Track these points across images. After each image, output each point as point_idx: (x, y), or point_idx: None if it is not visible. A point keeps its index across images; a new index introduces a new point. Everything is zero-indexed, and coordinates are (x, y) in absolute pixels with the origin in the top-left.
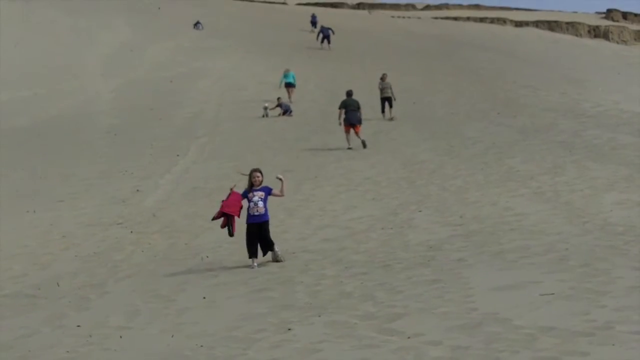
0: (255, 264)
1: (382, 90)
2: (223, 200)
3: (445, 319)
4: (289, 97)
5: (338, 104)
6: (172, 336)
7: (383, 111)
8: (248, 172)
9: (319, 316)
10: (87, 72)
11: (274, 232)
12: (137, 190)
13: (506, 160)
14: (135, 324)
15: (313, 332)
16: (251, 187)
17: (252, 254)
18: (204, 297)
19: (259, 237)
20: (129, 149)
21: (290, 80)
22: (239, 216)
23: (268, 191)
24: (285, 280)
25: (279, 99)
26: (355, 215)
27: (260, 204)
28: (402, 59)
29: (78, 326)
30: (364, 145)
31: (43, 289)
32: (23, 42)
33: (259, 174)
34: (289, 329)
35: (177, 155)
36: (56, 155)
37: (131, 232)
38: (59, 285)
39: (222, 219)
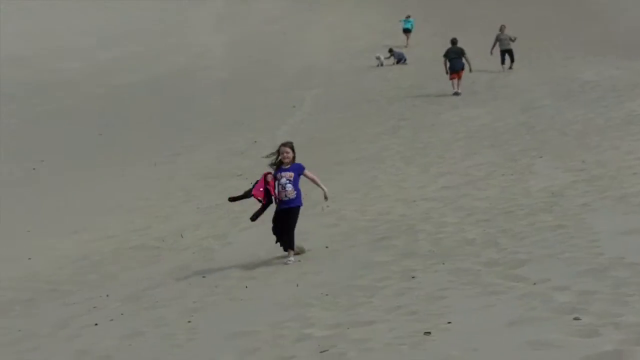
0: (292, 257)
1: (500, 42)
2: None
3: (571, 264)
4: (407, 43)
5: None
6: (297, 285)
7: (503, 62)
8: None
9: (443, 263)
10: (198, 27)
11: (391, 181)
12: (255, 142)
13: (627, 104)
14: (259, 273)
15: (437, 279)
16: (280, 165)
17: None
18: (327, 247)
19: (282, 225)
20: (244, 102)
21: (408, 26)
22: (263, 201)
23: (299, 170)
24: (406, 229)
25: (390, 49)
26: (474, 162)
27: (289, 186)
28: (516, 1)
29: (203, 277)
30: (457, 93)
31: (167, 240)
32: None
33: (288, 150)
34: (413, 277)
35: (293, 107)
36: (171, 110)
37: (251, 183)
38: (182, 237)
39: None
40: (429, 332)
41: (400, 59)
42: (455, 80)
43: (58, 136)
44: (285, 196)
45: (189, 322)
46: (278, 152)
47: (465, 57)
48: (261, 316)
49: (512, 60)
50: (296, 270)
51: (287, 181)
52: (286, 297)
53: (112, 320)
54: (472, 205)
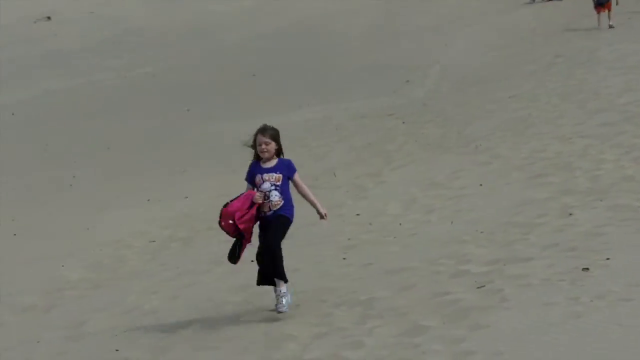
0: (284, 289)
1: None
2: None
3: None
4: None
5: None
6: (452, 223)
7: None
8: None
9: (601, 200)
10: None
11: (546, 118)
12: (407, 81)
13: None
14: (413, 212)
15: (596, 216)
16: (257, 162)
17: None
18: (481, 184)
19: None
20: (394, 41)
21: None
22: (249, 241)
23: (289, 172)
24: (563, 166)
25: None
26: (632, 99)
27: (275, 195)
28: None
29: (357, 214)
30: (610, 26)
31: (320, 179)
32: None
33: (268, 140)
34: (570, 214)
35: (445, 45)
36: (323, 51)
37: (403, 122)
38: (335, 176)
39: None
40: (587, 268)
41: None
42: (603, 14)
43: (211, 81)
44: (269, 209)
45: (344, 258)
46: (254, 144)
47: None
48: (417, 253)
49: None
50: (450, 208)
51: (272, 187)
52: (440, 234)
53: None
54: (631, 142)
